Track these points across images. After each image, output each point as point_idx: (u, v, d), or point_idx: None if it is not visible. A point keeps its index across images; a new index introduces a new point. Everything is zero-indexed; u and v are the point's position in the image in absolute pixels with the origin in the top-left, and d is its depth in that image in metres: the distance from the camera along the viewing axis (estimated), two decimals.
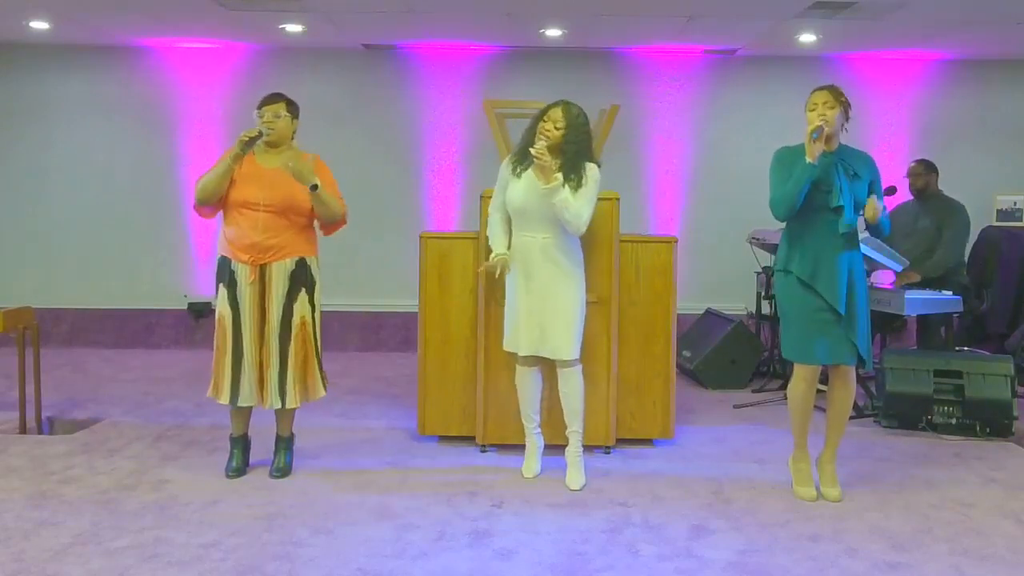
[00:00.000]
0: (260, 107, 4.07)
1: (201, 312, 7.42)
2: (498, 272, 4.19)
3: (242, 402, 4.08)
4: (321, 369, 4.21)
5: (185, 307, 7.47)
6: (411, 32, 6.71)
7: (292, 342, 4.07)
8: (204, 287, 7.42)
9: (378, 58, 7.39)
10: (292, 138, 4.16)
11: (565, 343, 4.13)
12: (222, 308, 4.07)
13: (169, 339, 7.52)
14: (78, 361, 6.89)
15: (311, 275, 4.14)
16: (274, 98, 4.09)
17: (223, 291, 4.07)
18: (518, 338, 4.17)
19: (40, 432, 5.04)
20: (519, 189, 4.08)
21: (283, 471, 4.22)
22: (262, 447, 4.44)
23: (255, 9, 5.96)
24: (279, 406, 4.10)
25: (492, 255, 4.21)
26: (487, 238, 4.28)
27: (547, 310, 4.10)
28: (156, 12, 6.15)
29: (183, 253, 7.45)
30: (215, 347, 4.10)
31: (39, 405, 5.08)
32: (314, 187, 3.93)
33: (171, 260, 7.44)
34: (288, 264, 4.06)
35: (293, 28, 6.55)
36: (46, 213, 7.47)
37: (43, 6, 6.03)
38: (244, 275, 4.03)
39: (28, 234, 7.50)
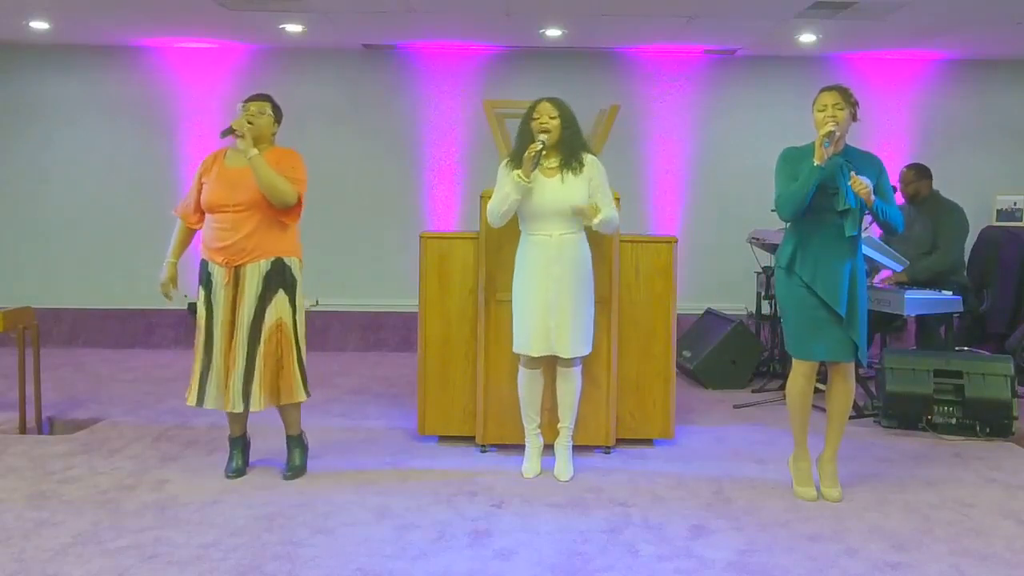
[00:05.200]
0: (245, 102, 4.12)
1: None
2: (538, 149, 4.00)
3: (208, 404, 4.04)
4: (303, 371, 4.14)
5: (185, 307, 7.47)
6: (411, 32, 6.71)
7: (262, 344, 4.01)
8: None
9: (378, 58, 7.39)
10: (272, 140, 4.16)
11: (579, 340, 4.18)
12: (200, 310, 4.09)
13: (169, 339, 7.52)
14: (78, 361, 6.89)
15: (291, 275, 4.10)
16: (261, 96, 4.15)
17: (201, 293, 4.09)
18: (533, 339, 4.16)
19: (40, 432, 5.04)
20: (531, 192, 4.08)
21: (297, 471, 4.21)
22: (263, 447, 4.44)
23: (255, 9, 5.96)
24: (240, 409, 4.02)
25: (519, 174, 4.03)
26: (499, 202, 4.12)
27: (563, 307, 4.11)
28: (156, 12, 6.15)
29: (183, 253, 7.42)
30: (194, 349, 4.11)
31: (39, 405, 5.08)
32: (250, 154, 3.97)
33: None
34: (263, 265, 4.03)
35: (293, 28, 6.55)
36: (46, 213, 7.48)
37: (43, 6, 6.04)
38: (219, 277, 4.04)
39: (28, 234, 7.50)
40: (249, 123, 4.03)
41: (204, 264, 4.11)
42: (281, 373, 4.07)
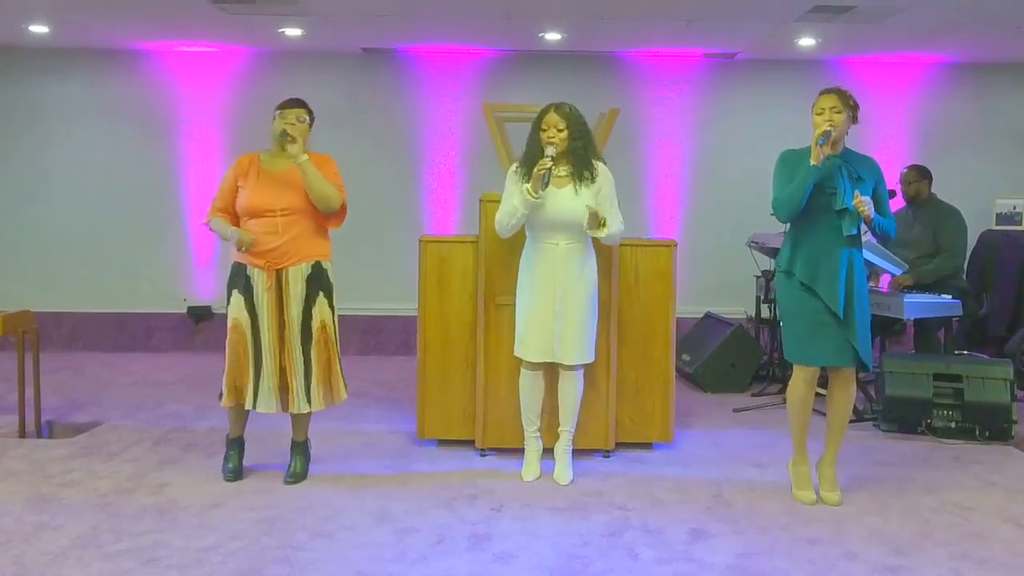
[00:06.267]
0: (283, 108, 4.09)
1: (201, 316, 7.42)
2: (547, 167, 3.97)
3: (260, 408, 4.06)
4: (342, 372, 4.21)
5: (185, 311, 7.47)
6: (410, 36, 6.71)
7: (315, 346, 4.08)
8: (204, 291, 7.42)
9: (377, 62, 7.39)
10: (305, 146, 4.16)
11: (584, 349, 4.20)
12: (238, 315, 4.06)
13: (169, 342, 7.51)
14: (78, 364, 6.88)
15: (327, 278, 4.15)
16: (298, 103, 4.12)
17: (238, 297, 4.07)
18: (537, 346, 4.16)
19: (40, 435, 5.03)
20: (542, 202, 4.06)
21: (298, 476, 4.21)
22: (262, 451, 4.44)
23: (254, 13, 5.97)
24: (306, 410, 4.10)
25: (527, 188, 4.01)
26: (507, 215, 4.12)
27: (569, 316, 4.12)
28: (155, 16, 6.16)
29: (183, 256, 7.44)
30: (230, 354, 4.08)
31: (39, 408, 5.07)
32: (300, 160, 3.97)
33: (171, 263, 7.44)
34: (304, 268, 4.07)
35: (292, 32, 6.56)
36: (46, 216, 7.48)
37: (42, 10, 6.04)
38: (261, 281, 4.03)
39: (28, 237, 7.50)
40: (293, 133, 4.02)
41: (240, 268, 4.08)
42: (331, 374, 4.15)
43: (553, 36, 6.60)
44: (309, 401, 4.11)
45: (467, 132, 7.38)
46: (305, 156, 3.99)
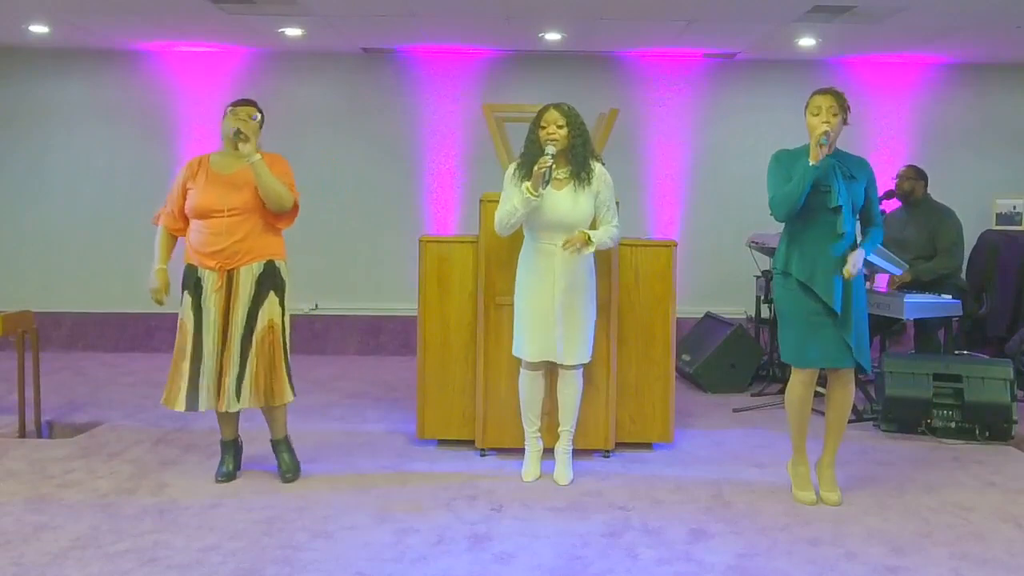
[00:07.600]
0: (234, 106, 4.12)
1: None
2: (548, 164, 3.95)
3: (201, 407, 4.02)
4: (289, 373, 4.15)
5: None
6: (410, 36, 6.72)
7: (254, 345, 4.02)
8: None
9: (377, 62, 7.39)
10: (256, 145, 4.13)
11: (582, 349, 4.20)
12: (184, 315, 4.08)
13: (168, 343, 7.40)
14: (78, 365, 6.88)
15: (280, 277, 4.12)
16: (248, 102, 4.15)
17: (187, 298, 4.09)
18: (535, 347, 4.16)
19: (39, 436, 5.03)
20: (540, 204, 4.05)
21: (293, 469, 4.21)
22: (259, 452, 4.44)
23: (254, 13, 5.97)
24: (235, 408, 4.03)
25: (527, 187, 3.98)
26: (506, 215, 4.09)
27: (568, 317, 4.12)
28: (155, 16, 6.16)
29: (182, 257, 7.41)
30: (174, 355, 4.09)
31: (39, 409, 5.08)
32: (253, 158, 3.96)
33: (171, 264, 7.41)
34: (255, 268, 4.05)
35: (292, 32, 6.56)
36: (46, 216, 7.48)
37: (42, 10, 6.04)
38: (211, 281, 4.03)
39: (28, 238, 7.51)
40: (246, 130, 4.02)
41: (192, 269, 4.11)
42: (273, 374, 4.08)
43: (553, 36, 6.60)
44: (239, 398, 4.01)
45: (467, 132, 7.38)
46: (258, 156, 3.97)
